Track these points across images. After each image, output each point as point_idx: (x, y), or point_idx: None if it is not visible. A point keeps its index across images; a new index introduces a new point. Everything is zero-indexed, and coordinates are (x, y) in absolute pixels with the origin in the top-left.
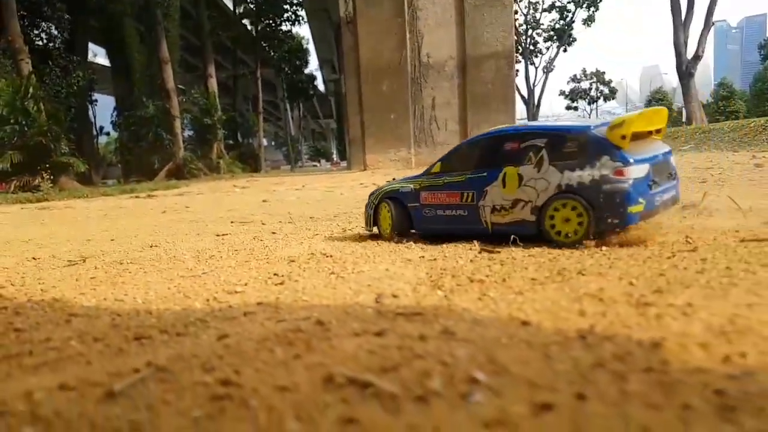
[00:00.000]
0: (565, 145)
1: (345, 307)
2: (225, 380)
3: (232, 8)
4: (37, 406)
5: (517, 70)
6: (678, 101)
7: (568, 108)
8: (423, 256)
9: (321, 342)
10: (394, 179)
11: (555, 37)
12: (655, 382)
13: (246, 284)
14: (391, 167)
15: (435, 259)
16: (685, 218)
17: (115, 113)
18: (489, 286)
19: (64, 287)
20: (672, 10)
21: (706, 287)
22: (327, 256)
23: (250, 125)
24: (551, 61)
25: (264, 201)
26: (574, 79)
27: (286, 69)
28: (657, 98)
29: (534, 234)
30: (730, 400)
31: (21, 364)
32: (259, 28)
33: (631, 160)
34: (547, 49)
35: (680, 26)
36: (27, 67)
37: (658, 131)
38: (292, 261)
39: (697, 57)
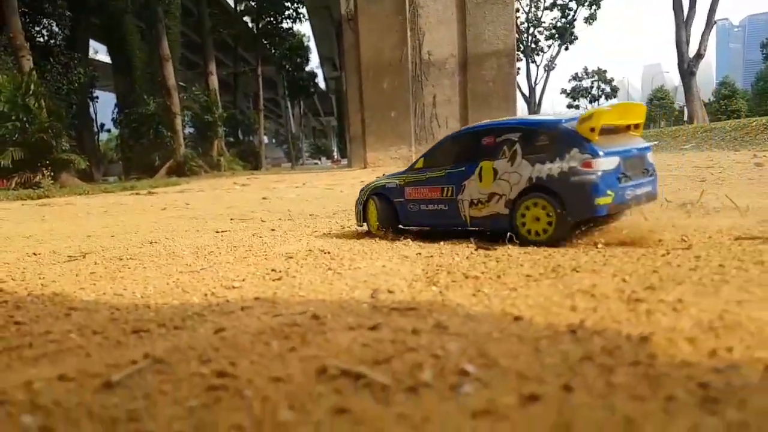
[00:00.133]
0: (538, 139)
1: (341, 302)
2: (221, 371)
3: (233, 5)
4: (37, 395)
5: (519, 68)
6: (680, 100)
7: (570, 106)
8: (420, 253)
9: (316, 336)
10: (384, 175)
11: (556, 35)
12: (641, 375)
13: (244, 280)
14: (392, 165)
15: (431, 256)
16: (682, 216)
17: (116, 110)
18: (484, 283)
19: (64, 282)
20: (674, 9)
21: (697, 284)
22: (325, 253)
23: (251, 123)
24: (553, 59)
25: (264, 198)
26: (575, 77)
27: (287, 66)
28: (658, 97)
29: (508, 228)
30: (714, 392)
31: (21, 355)
32: (260, 25)
33: (600, 153)
34: (549, 47)
35: (682, 24)
36: (28, 63)
37: (636, 127)
38: (290, 257)
39: (699, 55)
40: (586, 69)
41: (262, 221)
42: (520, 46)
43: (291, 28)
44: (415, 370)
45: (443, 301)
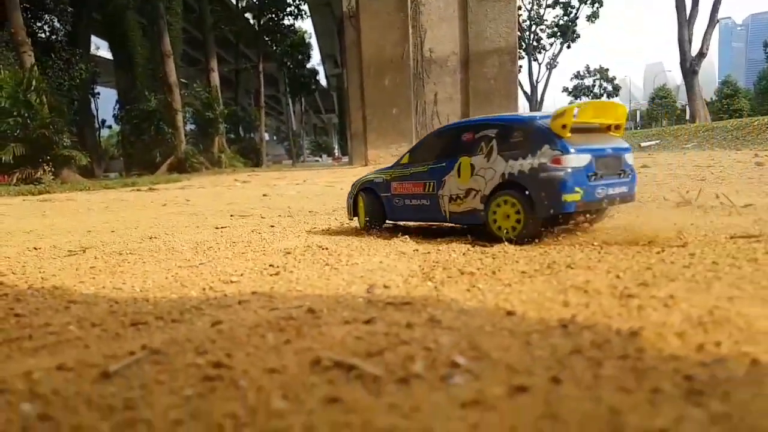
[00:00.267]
0: (513, 136)
1: (337, 296)
2: (217, 362)
3: (234, 2)
4: (36, 384)
5: (520, 66)
6: (682, 99)
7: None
8: (417, 249)
9: (311, 329)
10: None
11: (558, 34)
12: (628, 368)
13: (242, 275)
14: (393, 162)
15: (428, 253)
16: (679, 215)
17: (117, 106)
18: (479, 278)
19: (64, 276)
20: (677, 7)
21: (690, 281)
22: (322, 249)
23: (252, 119)
24: (554, 57)
25: (264, 195)
26: (577, 75)
27: (289, 63)
28: (660, 95)
29: (483, 224)
30: (699, 384)
31: (21, 347)
32: (261, 22)
33: (571, 150)
34: (551, 45)
35: (685, 23)
36: (30, 59)
37: (617, 128)
38: (288, 253)
39: (701, 54)
40: (588, 67)
41: (262, 218)
42: (522, 44)
43: (292, 25)
44: (407, 362)
45: (438, 296)
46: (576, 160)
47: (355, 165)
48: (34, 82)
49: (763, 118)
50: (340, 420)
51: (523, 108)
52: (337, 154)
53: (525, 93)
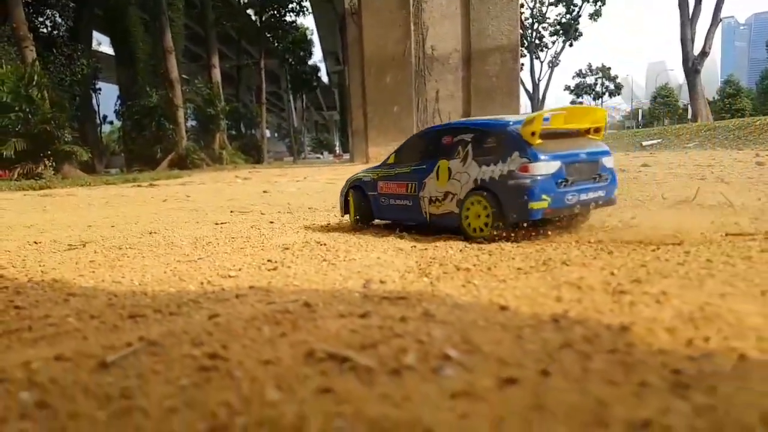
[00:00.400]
0: (486, 141)
1: (333, 291)
2: (212, 354)
3: None
4: (34, 374)
5: (522, 64)
6: (684, 98)
7: (573, 103)
8: (414, 246)
9: (307, 322)
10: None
11: (561, 32)
12: (617, 362)
13: (240, 269)
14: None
15: (426, 249)
16: (677, 214)
17: (119, 102)
18: (474, 274)
19: (63, 269)
20: (679, 6)
21: (683, 278)
22: (321, 245)
23: (254, 116)
24: (557, 55)
25: (265, 192)
26: (579, 74)
27: (290, 60)
28: (663, 95)
29: (457, 226)
30: (685, 378)
31: (20, 338)
32: (263, 18)
33: (540, 157)
34: (553, 43)
35: (687, 22)
36: (31, 54)
37: (596, 131)
38: (287, 248)
39: (703, 53)
40: (590, 66)
41: (262, 214)
42: (524, 41)
43: (294, 22)
44: (400, 354)
45: (433, 292)
46: (544, 168)
47: (356, 162)
48: (35, 78)
49: (765, 118)
50: (331, 410)
51: (524, 107)
52: (338, 151)
53: (527, 91)
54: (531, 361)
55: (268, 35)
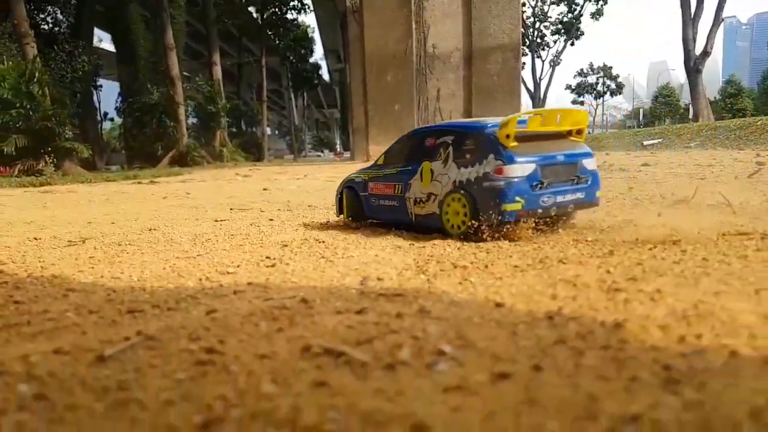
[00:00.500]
0: (465, 143)
1: (330, 288)
2: (209, 348)
3: None
4: (33, 367)
5: (524, 63)
6: (685, 97)
7: (574, 102)
8: (413, 244)
9: (304, 318)
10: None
11: (563, 31)
12: (609, 358)
13: (238, 266)
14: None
15: (424, 247)
16: (675, 213)
17: (120, 99)
18: (471, 272)
19: (63, 265)
20: (681, 6)
21: (679, 276)
22: (319, 242)
23: (254, 114)
24: (558, 54)
25: (265, 189)
26: (580, 73)
27: (291, 58)
28: (664, 94)
29: (440, 227)
30: (676, 374)
31: (19, 332)
32: (264, 16)
33: (515, 160)
34: (555, 42)
35: (689, 22)
36: (32, 51)
37: (578, 132)
38: (285, 246)
39: (705, 53)
40: (591, 65)
41: (261, 211)
42: (526, 40)
43: (296, 19)
44: (395, 349)
45: (429, 289)
46: (519, 170)
47: (356, 160)
48: (36, 74)
49: (767, 118)
50: (326, 402)
51: (526, 106)
52: (338, 149)
53: (528, 90)
54: (524, 357)
55: (270, 33)
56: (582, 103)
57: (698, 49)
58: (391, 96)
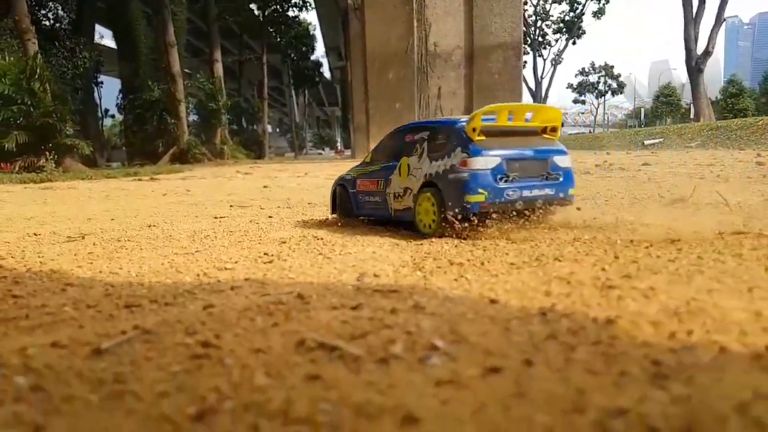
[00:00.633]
0: (438, 138)
1: (327, 284)
2: (205, 342)
3: None
4: (30, 359)
5: (525, 62)
6: (686, 97)
7: (576, 101)
8: (410, 241)
9: (299, 313)
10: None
11: (564, 29)
12: (600, 353)
13: (236, 262)
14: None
15: (421, 244)
16: (673, 212)
17: (121, 96)
18: (467, 269)
19: (62, 260)
20: (683, 5)
21: (673, 274)
22: (318, 239)
23: (255, 111)
24: (560, 53)
25: (265, 187)
26: (582, 72)
27: (293, 55)
28: (665, 94)
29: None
30: (665, 369)
31: (17, 325)
32: (266, 13)
33: (480, 152)
34: (556, 41)
35: (691, 21)
36: (33, 47)
37: (553, 130)
38: (284, 242)
39: (707, 53)
40: (593, 64)
41: (261, 208)
42: (527, 39)
43: (297, 17)
44: (388, 344)
45: (425, 285)
46: (483, 163)
47: (357, 158)
48: (37, 70)
49: None
50: (318, 395)
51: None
52: (339, 147)
53: (529, 89)
54: (515, 352)
55: (271, 30)
56: (583, 102)
57: (700, 48)
58: (392, 94)
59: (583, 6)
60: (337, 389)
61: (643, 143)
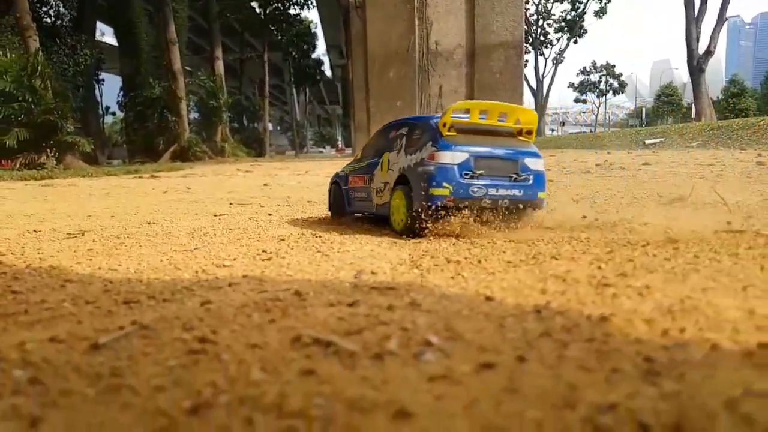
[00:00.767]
0: (414, 134)
1: (324, 281)
2: (202, 338)
3: None
4: (29, 354)
5: (527, 61)
6: (688, 97)
7: (577, 101)
8: (409, 239)
9: (297, 310)
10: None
11: (566, 28)
12: (593, 350)
13: (235, 259)
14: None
15: (419, 242)
16: (671, 211)
17: (122, 93)
18: (464, 267)
19: (61, 257)
20: (685, 4)
21: (669, 272)
22: (316, 237)
23: (256, 109)
24: (561, 52)
25: (265, 185)
26: (583, 71)
27: (294, 53)
28: (667, 93)
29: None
30: (657, 366)
31: (16, 321)
32: (267, 10)
33: (449, 147)
34: (558, 40)
35: (693, 21)
36: (34, 44)
37: (528, 133)
38: (282, 240)
39: (708, 52)
40: (594, 63)
41: (261, 206)
42: (529, 38)
43: (298, 15)
44: (383, 340)
45: (422, 282)
46: (449, 157)
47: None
48: (38, 67)
49: None
50: (312, 390)
51: (528, 104)
52: (340, 145)
53: (531, 88)
54: (509, 348)
55: (272, 28)
56: (584, 101)
57: (701, 48)
58: (393, 92)
59: (585, 5)
60: (332, 384)
61: (644, 143)
